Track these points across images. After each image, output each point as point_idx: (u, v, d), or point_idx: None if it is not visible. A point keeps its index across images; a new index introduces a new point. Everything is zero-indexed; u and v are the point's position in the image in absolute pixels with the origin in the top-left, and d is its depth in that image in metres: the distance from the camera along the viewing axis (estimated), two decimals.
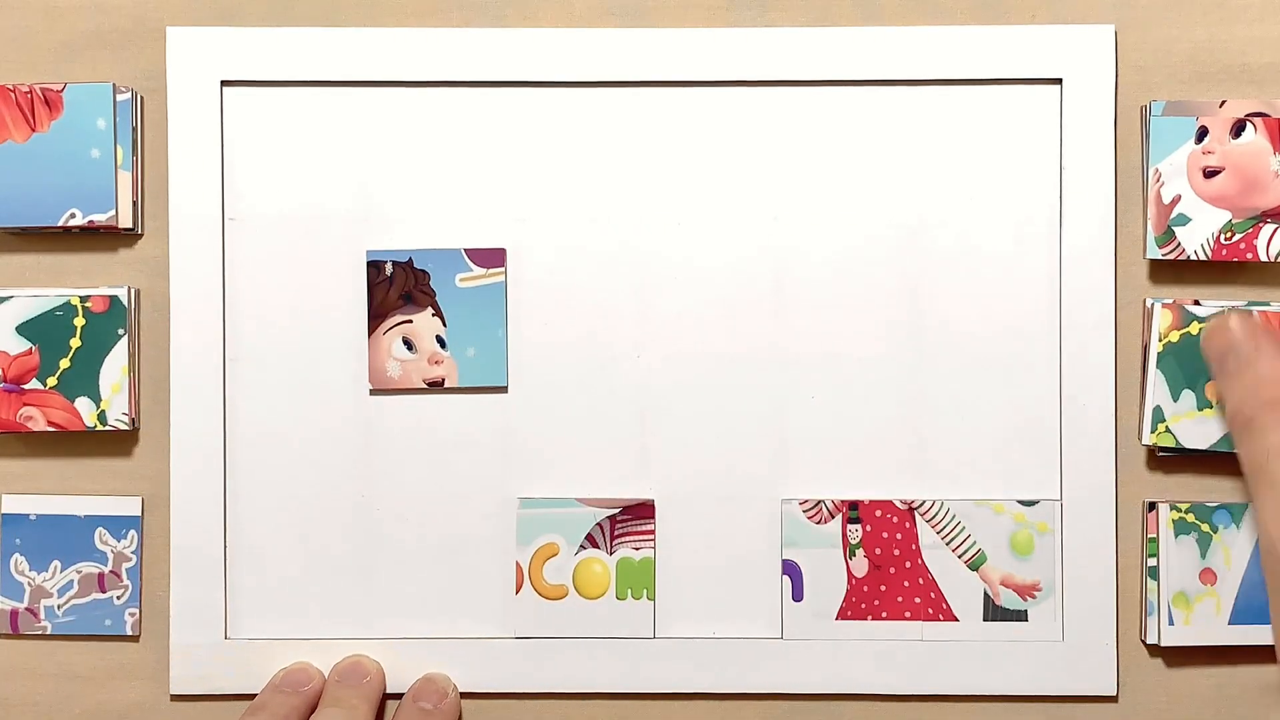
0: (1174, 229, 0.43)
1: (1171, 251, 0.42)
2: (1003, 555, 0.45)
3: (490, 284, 0.45)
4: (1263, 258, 0.43)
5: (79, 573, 0.46)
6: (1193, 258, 0.43)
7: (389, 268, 0.45)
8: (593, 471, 0.46)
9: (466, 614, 0.46)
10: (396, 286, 0.45)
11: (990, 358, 0.45)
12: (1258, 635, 0.44)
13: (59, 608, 0.46)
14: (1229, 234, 0.43)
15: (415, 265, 0.45)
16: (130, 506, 0.46)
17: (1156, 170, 0.42)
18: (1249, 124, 0.43)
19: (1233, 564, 0.44)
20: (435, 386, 0.45)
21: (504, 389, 0.46)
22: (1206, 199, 0.42)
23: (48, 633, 0.46)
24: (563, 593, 0.45)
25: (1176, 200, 0.42)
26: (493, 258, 0.45)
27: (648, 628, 0.46)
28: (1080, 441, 0.45)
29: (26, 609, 0.46)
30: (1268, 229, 0.43)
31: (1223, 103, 0.44)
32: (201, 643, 0.45)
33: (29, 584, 0.46)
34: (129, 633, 0.46)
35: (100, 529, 0.46)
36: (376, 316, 0.45)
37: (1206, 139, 0.42)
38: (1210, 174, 0.42)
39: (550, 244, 0.46)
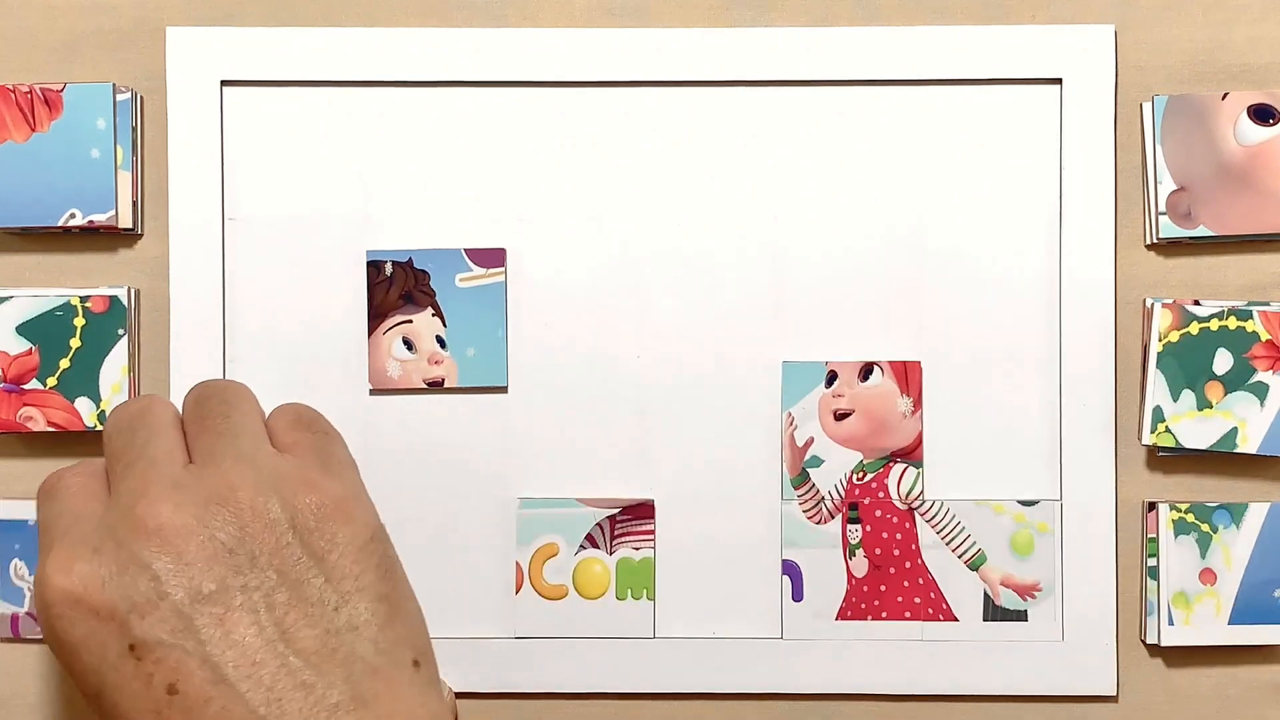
0: (808, 470, 0.45)
1: (807, 493, 0.45)
2: (1003, 555, 0.45)
3: (490, 284, 0.45)
4: (894, 496, 0.45)
5: None
6: (826, 499, 0.45)
7: (389, 268, 0.45)
8: (593, 471, 0.46)
9: (466, 614, 0.46)
10: (396, 286, 0.45)
11: (990, 357, 0.45)
12: (1258, 635, 0.44)
13: None
14: (860, 474, 0.45)
15: (415, 265, 0.45)
16: None
17: (789, 414, 0.45)
18: (876, 368, 0.45)
19: (1233, 564, 0.44)
20: (435, 386, 0.45)
21: (504, 389, 0.46)
22: (838, 440, 0.44)
23: None
24: (563, 593, 0.45)
25: (810, 443, 0.45)
26: (493, 258, 0.45)
27: (648, 628, 0.45)
28: (1080, 441, 0.45)
29: (27, 613, 0.46)
30: (897, 469, 0.45)
31: (1225, 95, 0.44)
32: None
33: (29, 588, 0.46)
34: None
35: None
36: (376, 316, 0.45)
37: (836, 383, 0.45)
38: (841, 416, 0.45)
39: (550, 244, 0.46)
